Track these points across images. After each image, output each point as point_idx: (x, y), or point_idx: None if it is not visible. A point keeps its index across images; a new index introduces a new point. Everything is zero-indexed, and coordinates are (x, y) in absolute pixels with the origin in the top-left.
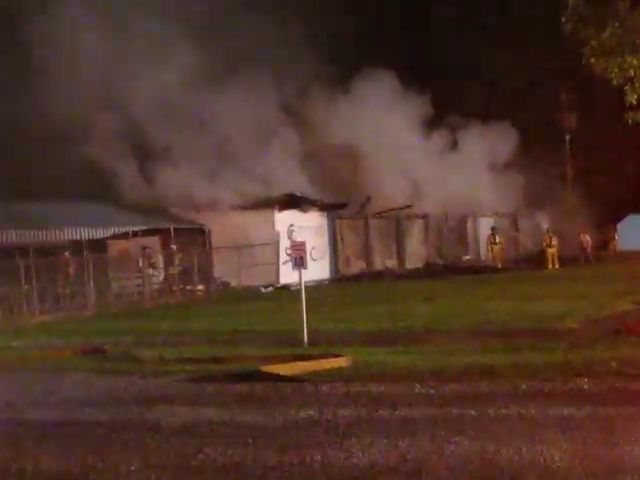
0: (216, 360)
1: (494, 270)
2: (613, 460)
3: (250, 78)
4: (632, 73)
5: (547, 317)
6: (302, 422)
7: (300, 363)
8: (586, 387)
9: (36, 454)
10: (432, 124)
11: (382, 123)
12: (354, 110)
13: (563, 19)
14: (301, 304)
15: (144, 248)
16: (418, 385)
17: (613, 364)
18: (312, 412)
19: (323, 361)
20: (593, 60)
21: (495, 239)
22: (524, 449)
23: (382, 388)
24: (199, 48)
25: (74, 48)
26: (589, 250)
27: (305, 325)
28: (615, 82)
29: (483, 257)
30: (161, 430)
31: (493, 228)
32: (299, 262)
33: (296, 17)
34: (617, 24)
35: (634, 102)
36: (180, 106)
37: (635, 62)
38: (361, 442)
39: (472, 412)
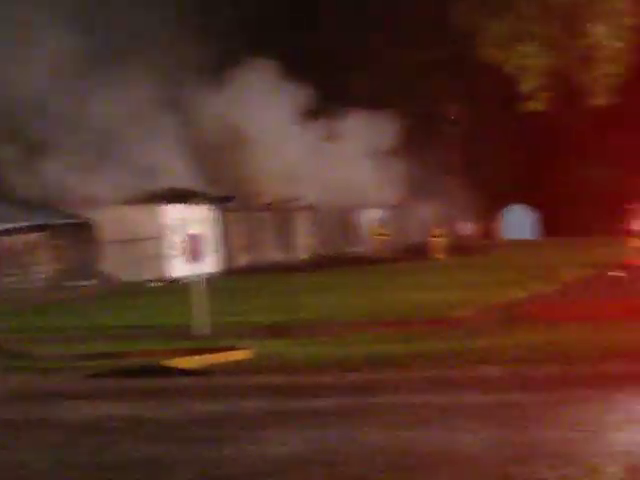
0: (115, 355)
1: (381, 261)
2: (525, 445)
3: (128, 68)
4: (527, 62)
5: (440, 306)
6: (209, 416)
7: (200, 356)
8: (490, 374)
9: None
10: (315, 115)
11: (262, 113)
12: (234, 101)
13: (458, 10)
14: (196, 297)
15: (28, 244)
16: (322, 376)
17: (513, 350)
18: (218, 405)
19: (223, 354)
20: (489, 49)
21: (380, 230)
22: (437, 436)
23: (286, 380)
24: (73, 35)
25: None
26: (470, 239)
27: (202, 318)
28: (510, 71)
29: (370, 248)
30: (66, 427)
31: (378, 219)
32: (194, 255)
33: (175, 5)
34: (512, 13)
35: (528, 91)
36: (55, 98)
37: (530, 51)
38: (273, 434)
39: (380, 401)
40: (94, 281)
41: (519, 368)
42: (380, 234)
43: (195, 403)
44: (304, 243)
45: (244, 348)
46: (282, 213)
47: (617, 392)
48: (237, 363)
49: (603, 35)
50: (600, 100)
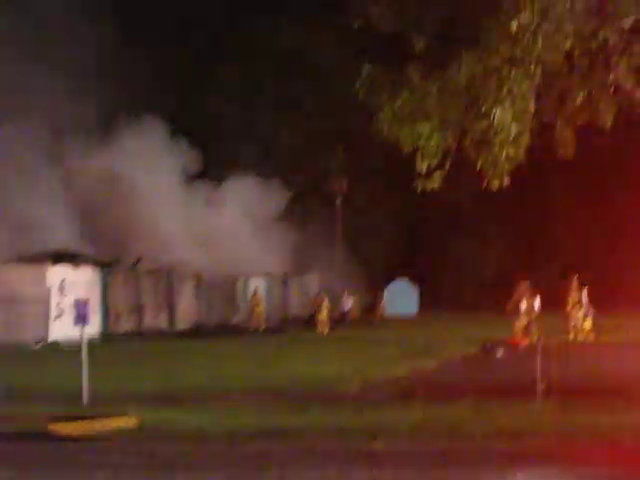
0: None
1: (263, 331)
2: None
3: (14, 122)
4: (422, 142)
5: (326, 379)
6: None
7: (87, 422)
8: (383, 449)
9: None
10: (201, 178)
11: (149, 172)
12: (120, 157)
13: (357, 84)
14: (80, 361)
15: None
16: (213, 445)
17: (404, 426)
18: (107, 474)
19: (109, 420)
20: (385, 127)
21: (254, 300)
22: None
23: (175, 448)
24: None
25: None
26: (352, 313)
27: (86, 383)
28: (406, 149)
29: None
30: None
31: (255, 288)
32: (81, 318)
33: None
34: (409, 91)
35: (423, 170)
36: None
37: (426, 130)
38: None
39: (273, 473)
40: None
41: (411, 444)
42: (254, 305)
43: (86, 471)
44: (188, 310)
45: (129, 415)
46: (165, 278)
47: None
48: (124, 430)
49: (504, 118)
50: (495, 183)
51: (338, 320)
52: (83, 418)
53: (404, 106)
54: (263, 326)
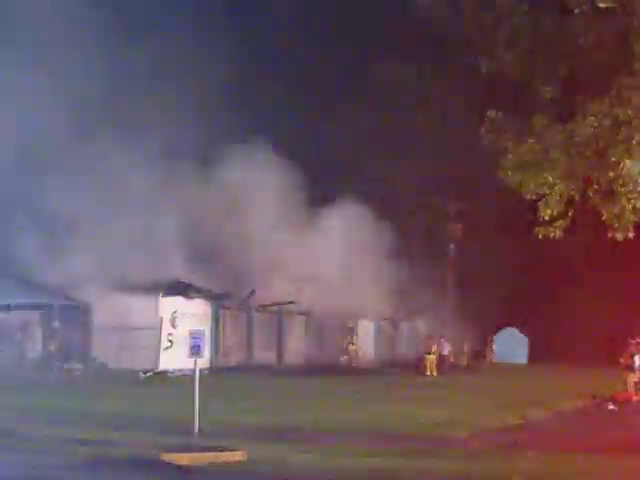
0: (110, 444)
1: (370, 372)
2: None
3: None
4: (546, 190)
5: (436, 424)
6: None
7: (198, 454)
8: None
9: None
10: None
11: (259, 206)
12: (232, 189)
13: (482, 130)
14: (189, 392)
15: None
16: None
17: (514, 478)
18: None
19: (220, 454)
20: (509, 173)
21: (351, 341)
22: None
23: None
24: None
25: None
26: (449, 358)
27: (197, 414)
28: (529, 197)
29: (353, 358)
30: None
31: (349, 330)
32: (195, 351)
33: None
34: (534, 140)
35: (547, 218)
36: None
37: (550, 179)
38: None
39: None
40: (83, 365)
41: None
42: (350, 344)
43: None
44: (296, 347)
45: (241, 449)
46: (276, 315)
47: None
48: (235, 464)
49: (633, 170)
50: (619, 235)
51: (446, 365)
52: (194, 449)
53: (529, 153)
54: (355, 365)
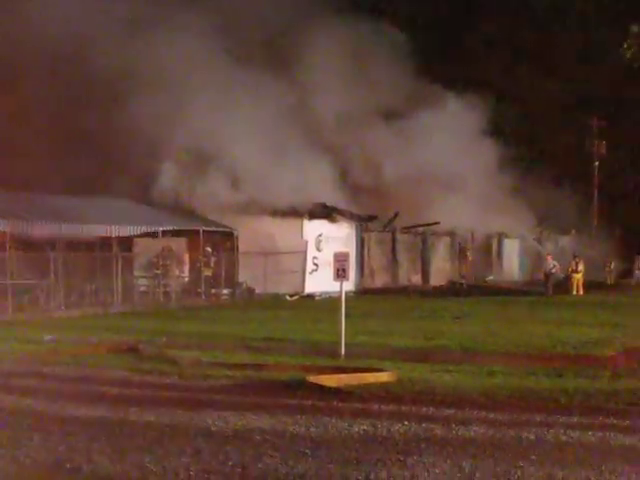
0: (256, 367)
1: (517, 293)
2: None
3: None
4: None
5: (582, 343)
6: (357, 437)
7: (344, 375)
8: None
9: (89, 453)
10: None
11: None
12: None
13: (625, 45)
14: (337, 315)
15: (166, 249)
16: (470, 406)
17: None
18: (366, 427)
19: (367, 375)
20: None
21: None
22: (592, 479)
23: (433, 407)
24: None
25: None
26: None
27: (343, 337)
28: None
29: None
30: (213, 436)
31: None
32: (341, 273)
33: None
34: None
35: None
36: None
37: None
38: (423, 461)
39: (531, 437)
40: (231, 290)
41: None
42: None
43: (344, 423)
44: (441, 268)
45: (388, 370)
46: (422, 237)
47: None
48: (382, 385)
49: None
50: None
51: (593, 284)
52: (341, 371)
53: None
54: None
